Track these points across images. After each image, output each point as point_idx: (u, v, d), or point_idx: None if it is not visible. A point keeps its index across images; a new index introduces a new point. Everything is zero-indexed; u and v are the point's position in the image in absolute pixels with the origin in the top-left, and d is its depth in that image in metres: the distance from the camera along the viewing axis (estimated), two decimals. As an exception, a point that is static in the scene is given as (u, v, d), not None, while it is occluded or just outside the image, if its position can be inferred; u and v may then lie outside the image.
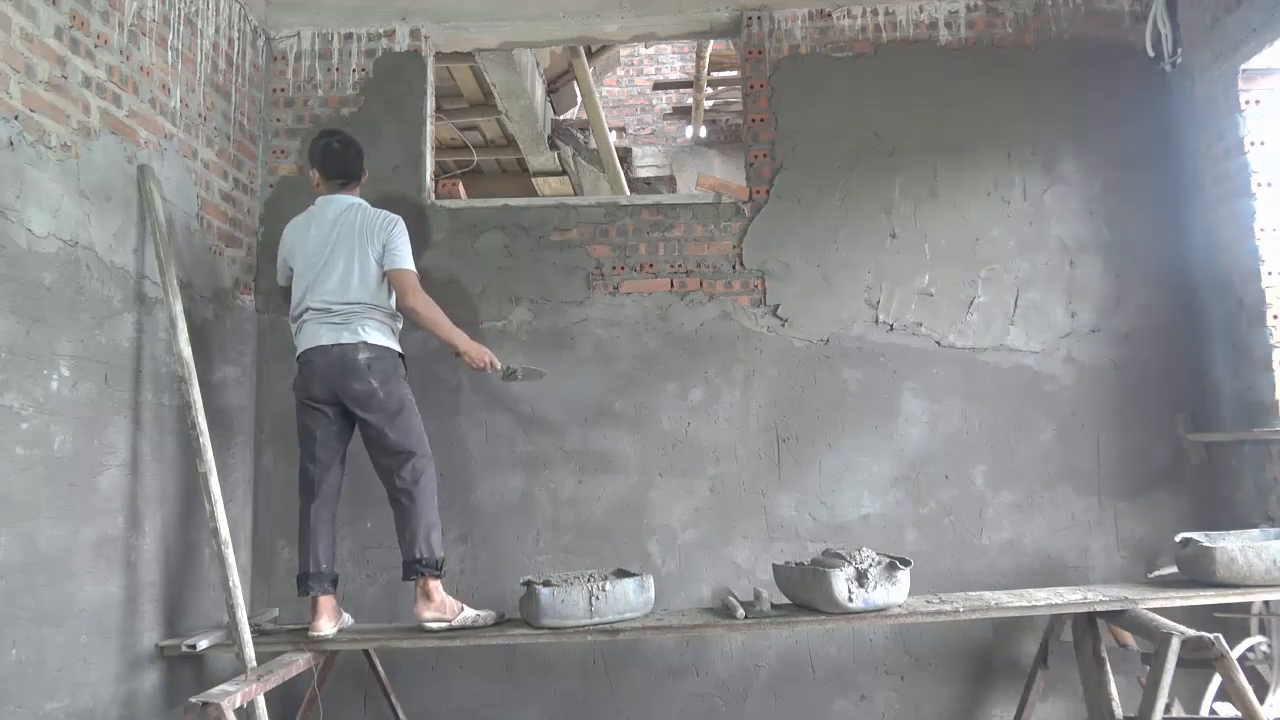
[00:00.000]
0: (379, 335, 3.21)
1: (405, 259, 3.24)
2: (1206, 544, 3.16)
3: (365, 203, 3.36)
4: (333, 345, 3.17)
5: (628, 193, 6.12)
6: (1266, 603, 3.40)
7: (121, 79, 2.98)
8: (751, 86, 4.06)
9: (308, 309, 3.24)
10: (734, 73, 6.86)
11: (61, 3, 2.68)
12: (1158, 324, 3.84)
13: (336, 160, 3.34)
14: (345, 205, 3.30)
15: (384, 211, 3.32)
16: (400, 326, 3.35)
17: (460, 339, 3.35)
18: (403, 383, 3.25)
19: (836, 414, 3.84)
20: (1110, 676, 3.18)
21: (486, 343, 3.71)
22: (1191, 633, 2.89)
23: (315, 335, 3.21)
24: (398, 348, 3.29)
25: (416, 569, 3.12)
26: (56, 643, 2.60)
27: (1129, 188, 3.91)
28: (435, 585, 3.15)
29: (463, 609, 3.19)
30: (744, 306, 3.91)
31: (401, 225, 3.29)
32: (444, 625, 3.15)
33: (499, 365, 3.45)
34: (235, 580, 2.99)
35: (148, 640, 3.05)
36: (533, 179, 6.86)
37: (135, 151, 3.06)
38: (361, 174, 3.42)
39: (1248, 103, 3.54)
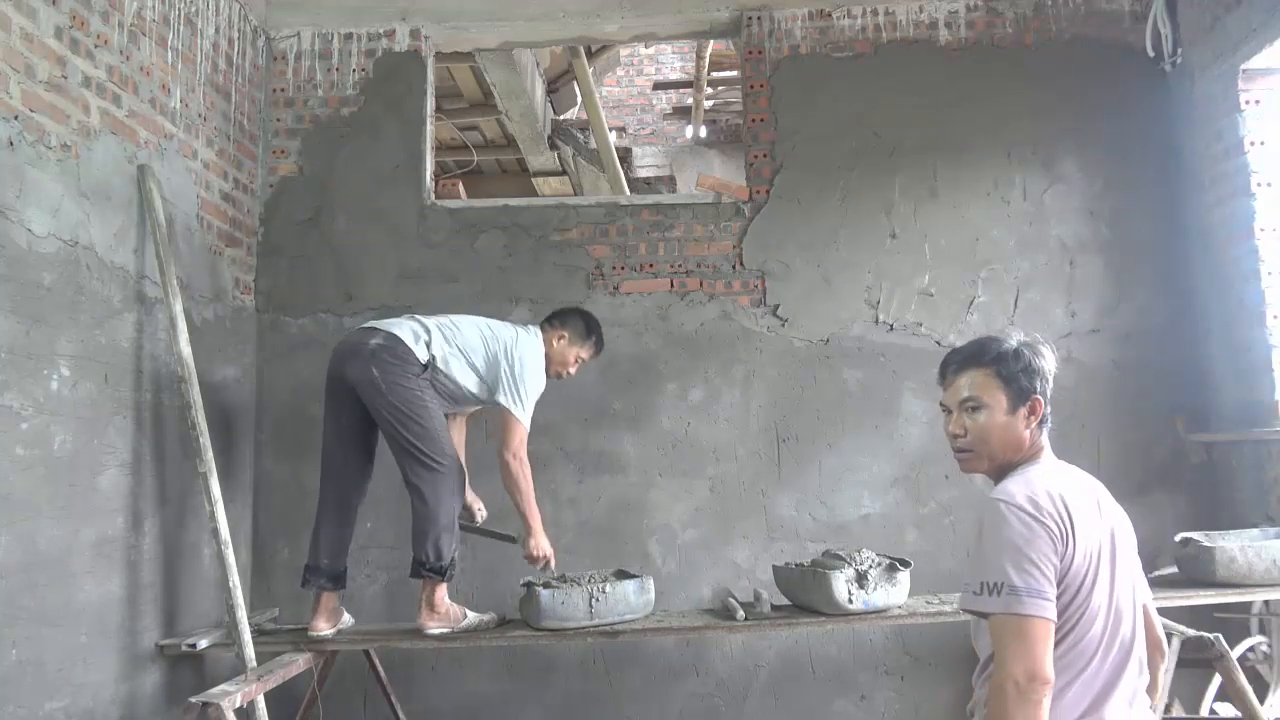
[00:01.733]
0: (405, 335, 3.12)
1: (516, 402, 3.14)
2: (1206, 544, 3.16)
3: (532, 332, 3.35)
4: (359, 329, 3.21)
5: (628, 193, 6.11)
6: (1266, 602, 3.40)
7: (121, 79, 2.98)
8: (751, 86, 4.06)
9: None
10: (734, 73, 6.85)
11: (61, 3, 2.68)
12: (1158, 324, 3.84)
13: (558, 316, 3.44)
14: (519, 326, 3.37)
15: (530, 348, 3.27)
16: (435, 352, 3.16)
17: (535, 520, 3.23)
18: (414, 379, 3.09)
19: (836, 414, 3.84)
20: (1110, 676, 3.17)
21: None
22: (1191, 633, 2.89)
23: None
24: (419, 353, 3.13)
25: (419, 570, 3.10)
26: (56, 643, 2.60)
27: (1129, 187, 3.91)
28: (440, 595, 3.12)
29: (466, 615, 3.17)
30: (744, 306, 3.91)
31: (534, 363, 3.22)
32: (446, 631, 3.14)
33: (553, 566, 3.30)
34: (235, 580, 2.99)
35: (148, 640, 3.05)
36: (533, 179, 6.86)
37: (135, 151, 3.06)
38: (551, 327, 3.40)
39: (1248, 103, 3.54)
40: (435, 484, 3.08)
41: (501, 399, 3.17)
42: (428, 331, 3.18)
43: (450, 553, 3.11)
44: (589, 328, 3.44)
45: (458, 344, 3.19)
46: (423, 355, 3.14)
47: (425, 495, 3.07)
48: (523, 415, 3.18)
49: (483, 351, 3.21)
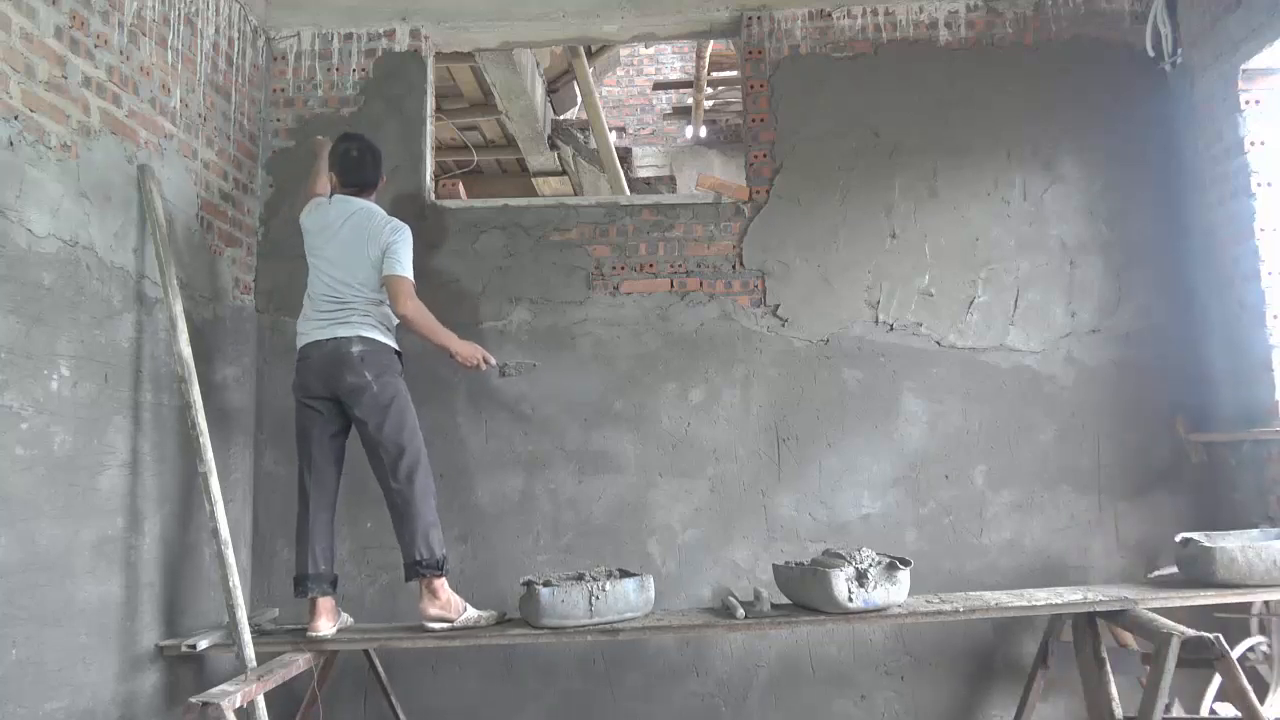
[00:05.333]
0: (374, 332, 3.23)
1: (403, 265, 3.24)
2: (1206, 544, 3.16)
3: (376, 207, 3.39)
4: (328, 340, 3.20)
5: (628, 193, 6.12)
6: (1266, 603, 3.40)
7: (121, 79, 2.98)
8: (751, 86, 4.06)
9: (308, 298, 3.31)
10: (734, 73, 6.85)
11: (61, 3, 2.68)
12: (1158, 324, 3.83)
13: (354, 170, 3.39)
14: (356, 207, 3.33)
15: (392, 218, 3.35)
16: (397, 325, 3.36)
17: (451, 341, 3.33)
18: (398, 379, 3.25)
19: (836, 414, 3.84)
20: (1110, 676, 3.17)
21: (486, 343, 3.71)
22: (1191, 633, 2.89)
23: (312, 331, 3.25)
24: (394, 345, 3.30)
25: (418, 570, 3.12)
26: (56, 643, 2.59)
27: (1129, 187, 3.91)
28: (441, 583, 3.16)
29: (466, 609, 3.20)
30: (744, 306, 3.91)
31: (406, 233, 3.30)
32: (446, 625, 3.15)
33: (493, 361, 3.45)
34: (235, 580, 2.99)
35: (148, 640, 3.05)
36: (533, 179, 6.87)
37: (135, 151, 3.06)
38: (377, 181, 3.46)
39: (1248, 103, 3.54)
40: (418, 477, 3.17)
41: (388, 270, 3.22)
42: (363, 311, 3.22)
43: (443, 546, 3.17)
44: (329, 158, 3.46)
45: (374, 296, 3.26)
46: (394, 343, 3.29)
47: (410, 494, 3.14)
48: (410, 273, 3.25)
49: (359, 269, 3.23)
